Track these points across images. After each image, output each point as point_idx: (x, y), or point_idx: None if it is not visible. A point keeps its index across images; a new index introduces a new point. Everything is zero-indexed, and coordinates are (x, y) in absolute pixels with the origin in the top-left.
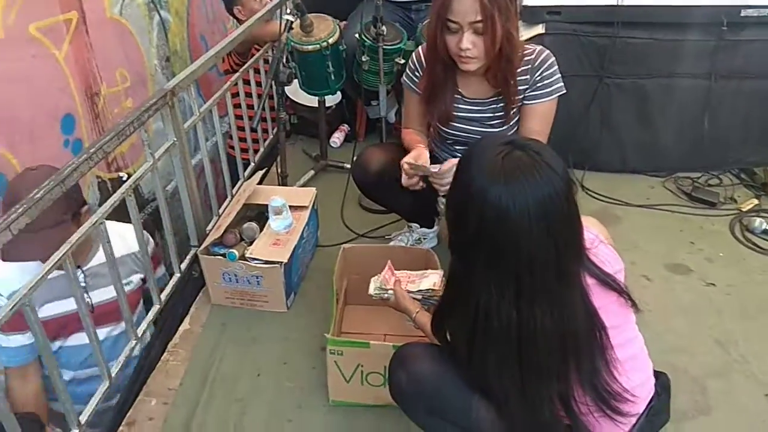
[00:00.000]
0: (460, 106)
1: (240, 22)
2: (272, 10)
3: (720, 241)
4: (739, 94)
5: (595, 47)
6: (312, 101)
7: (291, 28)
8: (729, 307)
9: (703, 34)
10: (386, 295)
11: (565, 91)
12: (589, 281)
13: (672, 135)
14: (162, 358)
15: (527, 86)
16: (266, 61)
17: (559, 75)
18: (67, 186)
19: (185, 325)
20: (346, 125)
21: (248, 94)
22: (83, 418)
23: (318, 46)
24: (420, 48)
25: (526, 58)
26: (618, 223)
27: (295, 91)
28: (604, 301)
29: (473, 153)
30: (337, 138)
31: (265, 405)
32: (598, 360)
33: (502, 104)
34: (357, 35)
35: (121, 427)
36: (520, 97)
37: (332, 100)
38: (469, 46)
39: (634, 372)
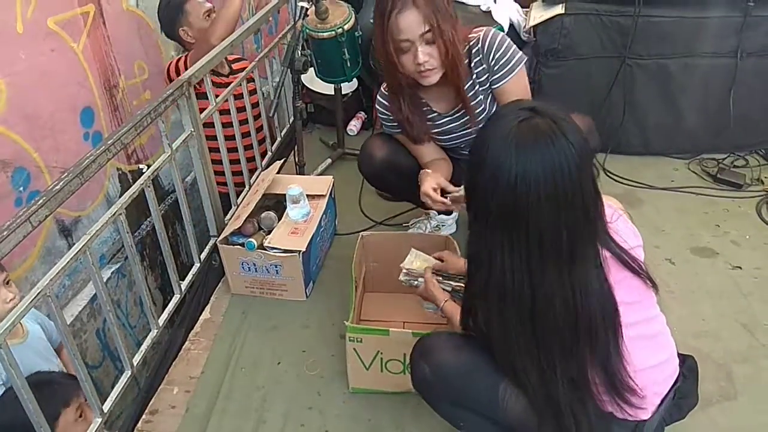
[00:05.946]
0: (437, 122)
1: (186, 46)
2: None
3: (746, 224)
4: (766, 72)
5: (617, 27)
6: (328, 89)
7: (306, 15)
8: (756, 290)
9: (729, 10)
10: (416, 282)
11: (526, 58)
12: (606, 254)
13: (696, 116)
14: (183, 347)
15: (488, 73)
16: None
17: (514, 46)
18: (86, 177)
19: (206, 314)
20: (362, 113)
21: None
22: (106, 407)
23: (333, 32)
24: (378, 97)
25: (474, 49)
26: (641, 206)
27: (311, 80)
28: (621, 275)
29: (493, 117)
30: (354, 126)
31: (286, 393)
32: (612, 344)
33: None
34: (372, 20)
35: (144, 416)
36: (485, 88)
37: (348, 87)
38: (426, 58)
39: (656, 351)
